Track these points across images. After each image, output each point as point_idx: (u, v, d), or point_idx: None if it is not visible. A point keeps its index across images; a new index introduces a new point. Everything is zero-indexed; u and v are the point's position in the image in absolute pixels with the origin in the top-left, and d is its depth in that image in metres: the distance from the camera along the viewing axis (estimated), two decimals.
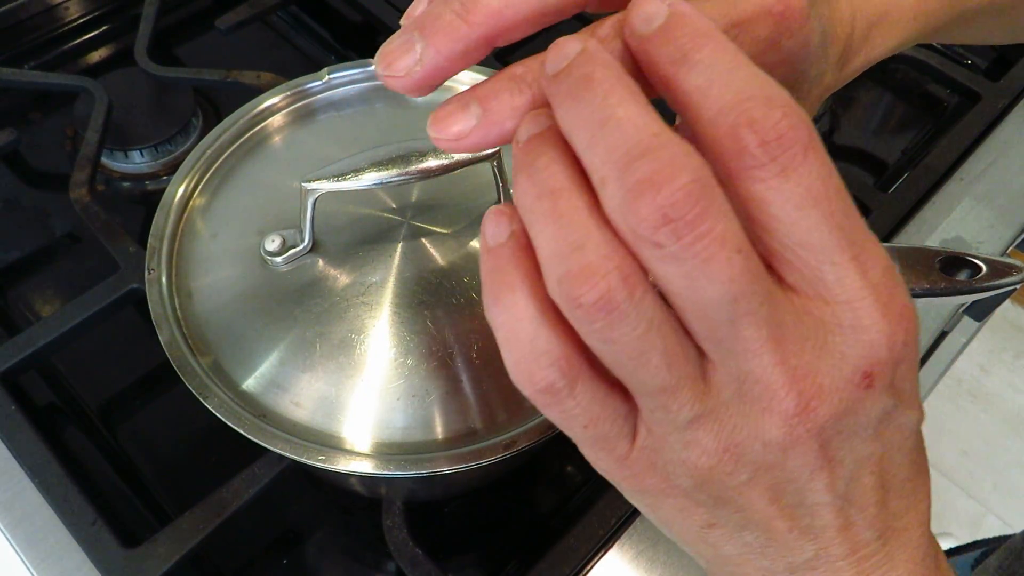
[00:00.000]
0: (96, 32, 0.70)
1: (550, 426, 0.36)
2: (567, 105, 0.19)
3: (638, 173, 0.17)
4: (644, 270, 0.19)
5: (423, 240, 0.40)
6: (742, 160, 0.18)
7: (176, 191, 0.43)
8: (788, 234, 0.19)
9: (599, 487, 0.47)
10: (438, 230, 0.40)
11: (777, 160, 0.18)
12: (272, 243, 0.39)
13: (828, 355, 0.20)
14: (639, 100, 0.19)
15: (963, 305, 0.58)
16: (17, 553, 0.43)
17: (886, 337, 0.20)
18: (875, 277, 0.19)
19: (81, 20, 0.70)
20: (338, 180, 0.36)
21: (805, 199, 0.18)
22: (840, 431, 0.20)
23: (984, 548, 0.44)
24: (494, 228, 0.22)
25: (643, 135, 0.18)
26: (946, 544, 0.49)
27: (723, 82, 0.18)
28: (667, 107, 0.21)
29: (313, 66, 0.64)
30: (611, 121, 0.18)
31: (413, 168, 0.36)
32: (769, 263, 0.20)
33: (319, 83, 0.47)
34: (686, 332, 0.20)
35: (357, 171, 0.36)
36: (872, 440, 0.21)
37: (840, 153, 0.68)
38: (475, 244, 0.40)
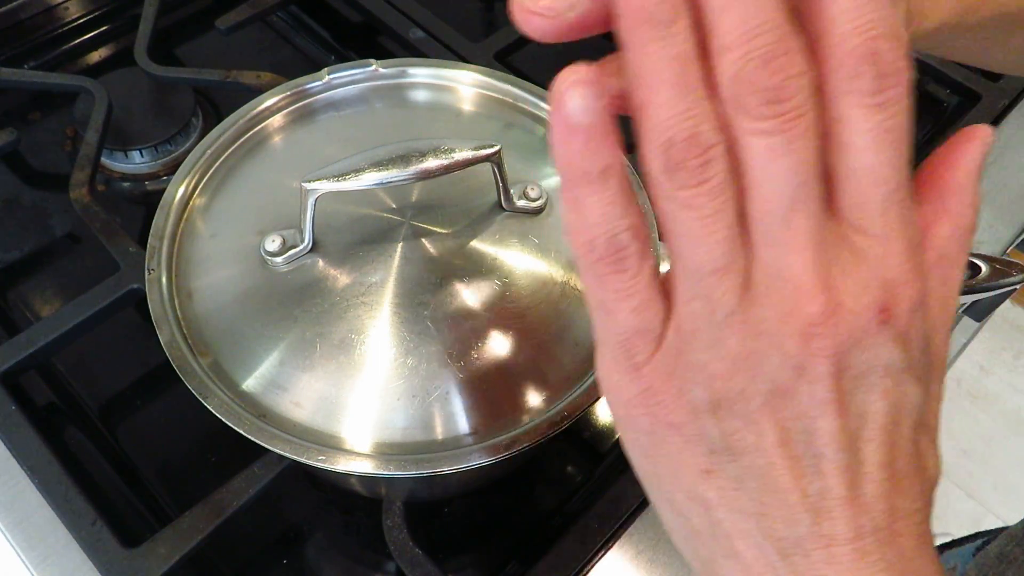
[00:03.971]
0: (96, 32, 0.70)
1: (549, 427, 0.36)
2: None
3: (764, 50, 0.19)
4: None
5: (423, 240, 0.40)
6: (852, 84, 0.19)
7: (176, 191, 0.43)
8: (859, 158, 0.20)
9: (599, 487, 0.47)
10: (438, 230, 0.40)
11: (883, 92, 0.19)
12: (272, 243, 0.39)
13: (853, 280, 0.20)
14: None
15: (963, 305, 0.58)
16: (17, 553, 0.43)
17: (906, 282, 0.20)
18: (910, 231, 0.21)
19: (81, 20, 0.70)
20: (338, 180, 0.36)
21: (888, 133, 0.20)
22: (851, 363, 0.20)
23: (985, 538, 0.44)
24: (580, 102, 0.20)
25: (776, 19, 0.19)
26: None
27: (859, 5, 0.19)
28: None
29: (313, 66, 0.64)
30: None
31: (413, 168, 0.36)
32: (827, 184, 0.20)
33: (319, 83, 0.47)
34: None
35: (357, 171, 0.36)
36: (879, 392, 0.21)
37: None
38: (475, 244, 0.40)
